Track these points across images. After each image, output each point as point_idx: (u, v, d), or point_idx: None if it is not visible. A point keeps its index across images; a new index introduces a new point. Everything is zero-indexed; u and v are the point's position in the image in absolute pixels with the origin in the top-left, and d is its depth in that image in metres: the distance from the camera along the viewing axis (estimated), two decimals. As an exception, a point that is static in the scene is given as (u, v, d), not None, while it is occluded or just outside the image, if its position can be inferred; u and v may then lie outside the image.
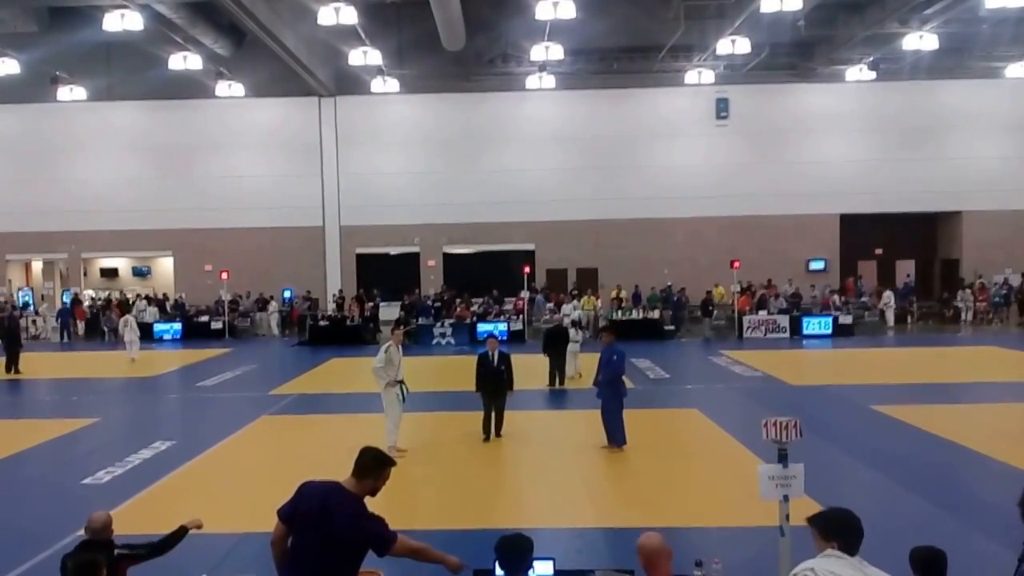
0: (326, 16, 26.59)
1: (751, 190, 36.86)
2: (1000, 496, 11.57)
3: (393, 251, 38.63)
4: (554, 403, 19.66)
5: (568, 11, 26.66)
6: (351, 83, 36.36)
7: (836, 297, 34.51)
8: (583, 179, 37.33)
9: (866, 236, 37.90)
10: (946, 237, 39.13)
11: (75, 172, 37.74)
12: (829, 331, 32.20)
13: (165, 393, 22.60)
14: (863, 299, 36.08)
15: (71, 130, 37.66)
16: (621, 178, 37.29)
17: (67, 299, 37.46)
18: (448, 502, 11.77)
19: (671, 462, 13.75)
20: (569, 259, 37.93)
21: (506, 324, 32.34)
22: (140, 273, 41.32)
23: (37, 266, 41.18)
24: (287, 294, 37.51)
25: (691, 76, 35.19)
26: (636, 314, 33.02)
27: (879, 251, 38.97)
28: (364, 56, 31.11)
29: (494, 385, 15.20)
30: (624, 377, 14.61)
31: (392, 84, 34.80)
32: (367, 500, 5.38)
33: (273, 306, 36.39)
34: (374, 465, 5.42)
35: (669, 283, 35.99)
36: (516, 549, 5.11)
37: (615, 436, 14.19)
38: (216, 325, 34.66)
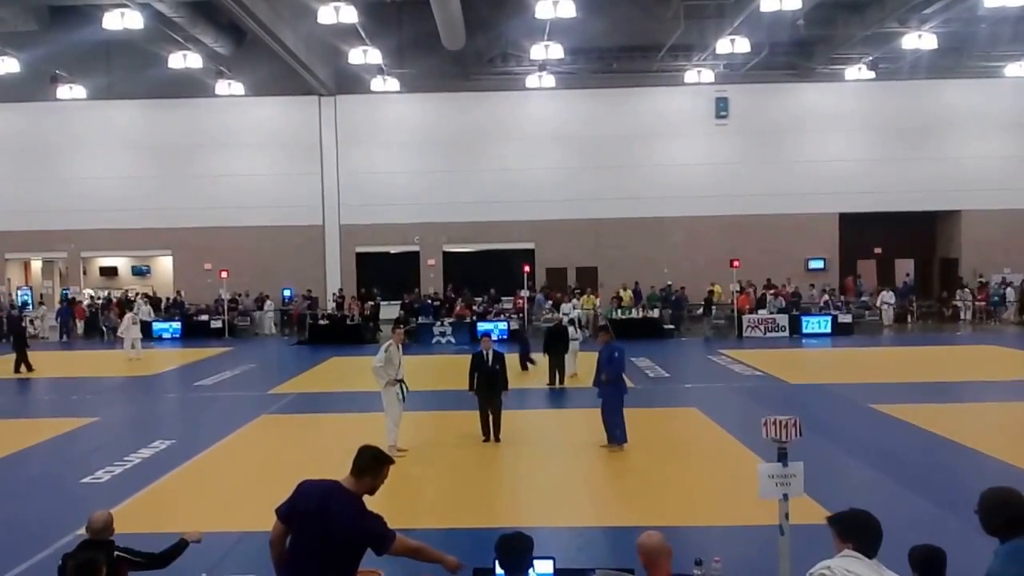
0: (326, 15, 26.58)
1: (751, 189, 36.87)
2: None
3: (393, 250, 38.64)
4: (553, 402, 19.67)
5: (568, 10, 26.65)
6: (351, 82, 36.36)
7: (826, 296, 34.48)
8: (583, 178, 37.33)
9: (865, 235, 37.90)
10: (945, 236, 39.14)
11: (75, 171, 37.72)
12: (828, 330, 32.21)
13: (164, 392, 22.60)
14: (863, 298, 36.12)
15: (71, 129, 37.65)
16: (621, 177, 37.29)
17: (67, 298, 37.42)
18: (448, 501, 11.78)
19: (671, 461, 13.76)
20: (569, 258, 37.93)
21: (506, 323, 32.33)
22: (140, 272, 41.28)
23: (36, 265, 41.15)
24: (287, 293, 37.49)
25: (691, 75, 35.19)
26: (635, 313, 33.00)
27: (878, 250, 38.98)
28: (364, 55, 31.11)
29: (490, 385, 14.93)
30: (624, 375, 14.61)
31: (392, 83, 34.78)
32: (367, 499, 5.38)
33: (269, 305, 36.37)
34: (372, 463, 5.41)
35: (669, 282, 35.99)
36: (516, 548, 5.11)
37: (616, 434, 14.19)
38: (216, 324, 34.63)
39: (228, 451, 15.07)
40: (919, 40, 30.27)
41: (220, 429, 16.58)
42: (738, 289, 33.48)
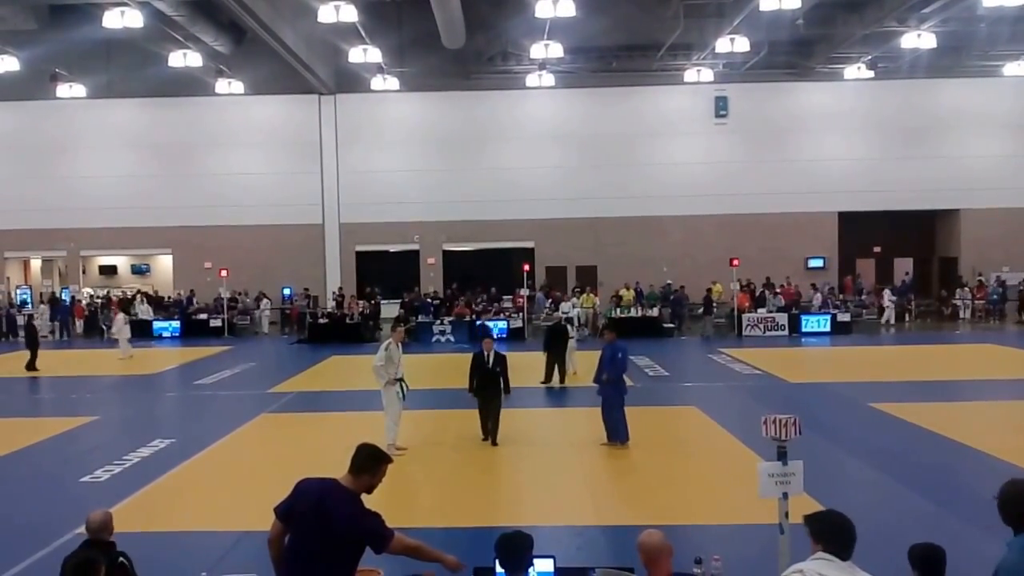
0: (326, 14, 26.55)
1: (750, 188, 36.89)
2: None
3: (393, 249, 38.65)
4: (552, 401, 19.67)
5: (568, 9, 26.63)
6: (351, 81, 36.35)
7: (818, 295, 34.51)
8: (582, 177, 37.35)
9: (865, 234, 37.95)
10: (944, 235, 39.16)
11: (74, 169, 37.72)
12: (828, 329, 32.22)
13: (164, 391, 22.60)
14: (861, 297, 36.13)
15: (71, 128, 37.66)
16: (620, 176, 37.31)
17: (66, 297, 37.42)
18: (448, 500, 11.78)
19: (670, 460, 13.77)
20: (568, 257, 37.95)
21: (506, 322, 32.34)
22: (139, 271, 41.33)
23: (36, 264, 41.16)
24: (286, 292, 37.48)
25: (690, 74, 35.19)
26: (635, 312, 33.00)
27: (877, 249, 39.02)
28: (364, 54, 31.07)
29: (489, 387, 14.68)
30: (624, 376, 14.62)
31: (392, 82, 34.77)
32: (365, 498, 5.38)
33: (266, 303, 36.37)
34: (370, 461, 5.41)
35: (668, 281, 36.00)
36: (516, 547, 5.11)
37: (618, 432, 14.21)
38: (215, 323, 34.63)
39: (228, 450, 15.07)
40: (918, 39, 30.27)
41: (220, 428, 16.58)
42: (738, 288, 33.49)
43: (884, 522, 9.94)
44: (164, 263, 40.01)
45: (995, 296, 35.68)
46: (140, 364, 26.71)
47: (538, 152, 37.53)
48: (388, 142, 37.85)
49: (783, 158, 37.53)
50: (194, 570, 7.92)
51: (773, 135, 37.58)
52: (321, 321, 33.40)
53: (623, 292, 34.60)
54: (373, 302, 35.05)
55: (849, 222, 37.65)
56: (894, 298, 34.90)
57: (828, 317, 32.56)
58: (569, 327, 23.09)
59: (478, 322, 31.38)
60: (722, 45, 30.89)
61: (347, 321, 33.03)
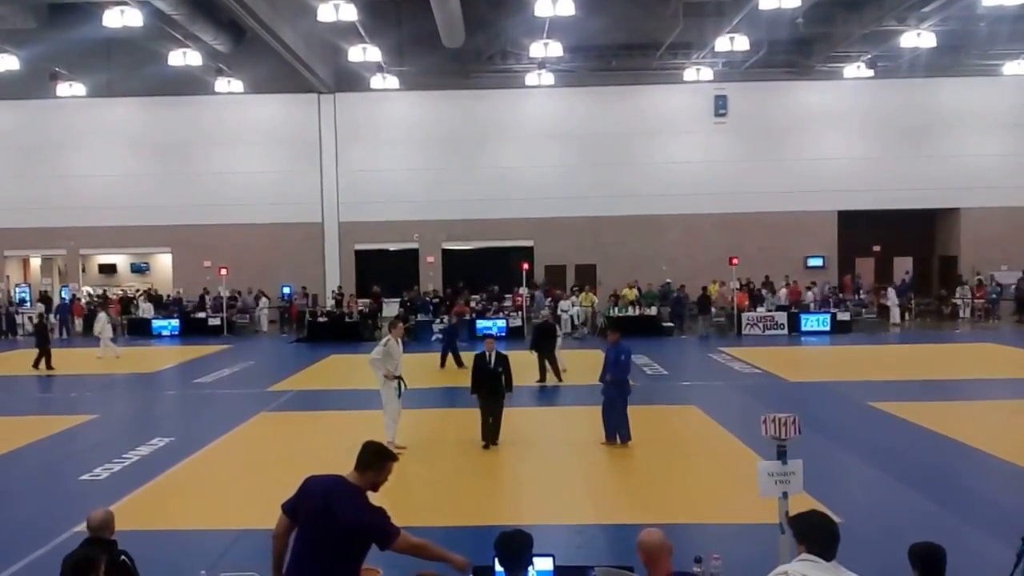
0: (326, 13, 26.54)
1: (749, 187, 36.89)
2: (998, 492, 11.64)
3: (392, 247, 38.65)
4: (552, 400, 19.67)
5: (567, 8, 26.64)
6: (350, 80, 36.35)
7: (809, 293, 34.54)
8: (582, 176, 37.35)
9: (864, 233, 37.91)
10: (944, 234, 39.17)
11: (74, 168, 37.70)
12: (827, 328, 32.21)
13: (163, 389, 22.60)
14: (860, 296, 36.13)
15: (70, 126, 37.64)
16: (620, 175, 37.32)
17: (66, 295, 37.42)
18: (447, 499, 11.78)
19: (670, 459, 13.77)
20: (568, 255, 37.96)
21: (505, 321, 32.34)
22: (139, 269, 41.35)
23: (36, 262, 41.15)
24: (286, 290, 37.47)
25: (690, 73, 35.17)
26: (634, 311, 32.99)
27: (877, 248, 39.02)
28: (364, 53, 31.07)
29: (491, 388, 14.39)
30: (628, 377, 14.64)
31: (392, 81, 34.77)
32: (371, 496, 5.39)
33: (264, 302, 36.38)
34: (375, 459, 5.44)
35: (668, 280, 36.00)
36: (516, 546, 5.11)
37: (620, 432, 14.24)
38: (214, 321, 34.63)
39: (227, 449, 15.08)
40: (918, 38, 30.25)
41: (219, 426, 16.59)
42: (737, 287, 33.49)
43: (884, 521, 9.96)
44: (163, 262, 40.00)
45: (994, 295, 35.69)
46: (140, 363, 26.71)
47: (537, 151, 37.53)
48: (387, 141, 37.84)
49: (782, 157, 37.53)
50: (193, 568, 7.89)
51: (772, 134, 37.57)
52: (320, 320, 33.40)
53: (625, 291, 34.59)
54: (377, 302, 35.01)
55: (848, 221, 37.64)
56: (896, 299, 34.85)
57: (828, 316, 32.55)
58: (557, 326, 23.11)
59: (442, 326, 30.43)
60: (721, 44, 30.88)
61: (346, 320, 33.02)
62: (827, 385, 20.53)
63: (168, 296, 37.65)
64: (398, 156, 37.72)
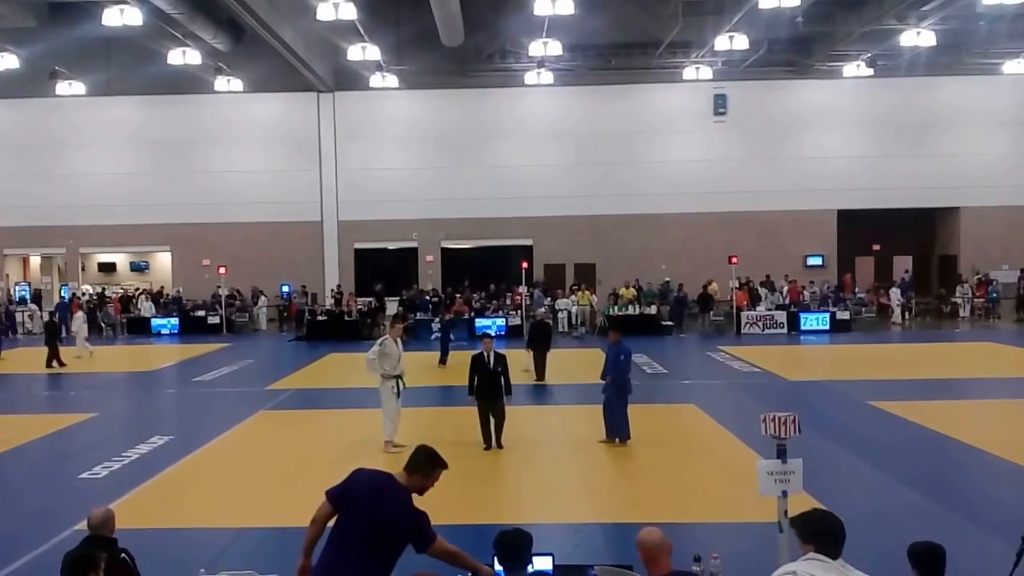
0: (325, 12, 26.55)
1: (749, 186, 36.88)
2: (998, 491, 11.64)
3: (391, 246, 38.64)
4: (551, 398, 19.66)
5: (566, 7, 26.64)
6: (350, 78, 36.34)
7: (805, 292, 34.55)
8: (581, 175, 37.34)
9: (864, 232, 37.92)
10: (944, 233, 39.17)
11: (74, 167, 37.69)
12: (827, 327, 32.21)
13: (163, 388, 22.57)
14: (860, 295, 36.13)
15: (70, 125, 37.62)
16: (619, 174, 37.31)
17: (65, 294, 37.41)
18: (446, 497, 11.66)
19: (669, 458, 13.77)
20: (567, 254, 37.95)
21: (504, 320, 32.33)
22: (138, 268, 41.33)
23: (35, 261, 41.15)
24: (285, 289, 37.46)
25: (689, 72, 35.15)
26: (634, 309, 32.98)
27: (877, 247, 39.02)
28: (363, 52, 31.06)
29: (490, 389, 14.07)
30: (628, 377, 14.64)
31: (391, 80, 34.76)
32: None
33: (263, 300, 36.37)
34: (425, 462, 5.60)
35: (667, 279, 35.99)
36: (515, 544, 5.12)
37: (619, 431, 14.23)
38: (213, 320, 34.62)
39: (226, 447, 15.07)
40: (917, 37, 30.23)
41: (218, 425, 16.57)
42: (736, 286, 33.49)
43: (884, 520, 9.95)
44: (163, 260, 40.00)
45: (995, 294, 35.68)
46: (139, 361, 26.68)
47: (537, 150, 37.52)
48: (387, 139, 37.84)
49: (782, 156, 37.53)
50: (193, 566, 7.90)
51: (772, 133, 37.56)
52: (320, 318, 33.40)
53: (622, 291, 34.57)
54: (379, 300, 34.99)
55: (848, 220, 37.64)
56: (898, 298, 34.82)
57: (827, 315, 32.55)
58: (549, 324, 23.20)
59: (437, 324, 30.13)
60: (721, 43, 30.88)
61: (345, 318, 33.01)
62: (827, 384, 20.54)
63: (168, 295, 37.60)
64: (397, 155, 37.72)
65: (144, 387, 22.55)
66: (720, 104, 37.54)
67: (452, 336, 27.07)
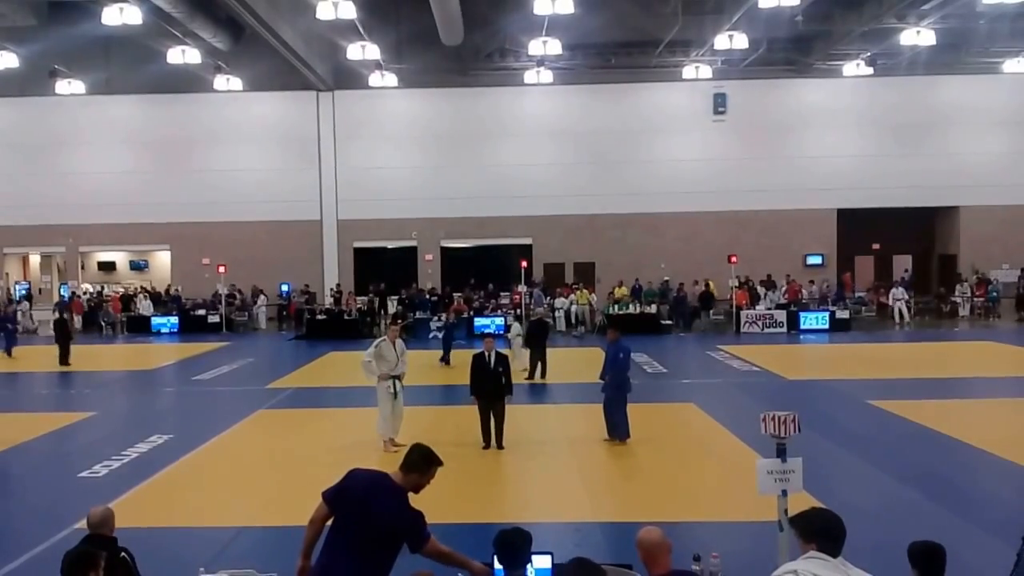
0: (324, 11, 26.52)
1: (748, 185, 36.88)
2: (998, 491, 11.64)
3: (391, 245, 38.64)
4: (550, 397, 19.65)
5: (566, 6, 26.63)
6: (349, 77, 36.33)
7: (803, 291, 34.53)
8: (580, 174, 37.32)
9: (863, 231, 37.92)
10: (943, 232, 39.17)
11: (73, 165, 37.68)
12: (826, 326, 32.21)
13: (162, 387, 22.56)
14: (859, 294, 36.12)
15: (69, 124, 37.61)
16: (618, 173, 37.30)
17: (65, 293, 37.45)
18: (446, 496, 11.71)
19: (668, 456, 13.77)
20: (566, 253, 37.95)
21: (503, 319, 32.32)
22: (138, 267, 41.35)
23: (35, 259, 41.16)
24: (284, 288, 37.45)
25: (689, 71, 35.13)
26: (633, 308, 32.99)
27: (876, 246, 39.02)
28: (362, 50, 31.06)
29: (491, 389, 14.02)
30: (627, 375, 14.64)
31: (390, 79, 34.75)
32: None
33: (262, 299, 36.37)
34: (421, 461, 5.62)
35: (666, 278, 35.99)
36: (515, 543, 5.12)
37: (619, 429, 14.22)
38: (213, 319, 34.61)
39: (225, 446, 15.07)
40: (917, 36, 30.22)
41: (218, 424, 16.57)
42: (736, 285, 33.49)
43: (883, 520, 9.95)
44: (162, 259, 40.00)
45: (994, 293, 35.68)
46: (139, 360, 26.66)
47: (536, 149, 37.51)
48: (386, 138, 37.82)
49: (782, 155, 37.51)
50: (193, 565, 7.89)
51: (772, 132, 37.54)
52: (319, 317, 33.40)
53: (616, 290, 34.58)
54: (378, 299, 34.98)
55: (848, 219, 37.63)
56: (901, 297, 34.77)
57: (827, 314, 32.55)
58: (516, 324, 23.19)
59: (440, 323, 30.12)
60: (721, 42, 30.86)
61: (345, 317, 33.02)
62: (826, 383, 20.55)
63: (167, 293, 37.62)
64: (397, 154, 37.71)
65: (144, 386, 22.54)
66: (720, 103, 37.53)
67: (455, 336, 27.02)
